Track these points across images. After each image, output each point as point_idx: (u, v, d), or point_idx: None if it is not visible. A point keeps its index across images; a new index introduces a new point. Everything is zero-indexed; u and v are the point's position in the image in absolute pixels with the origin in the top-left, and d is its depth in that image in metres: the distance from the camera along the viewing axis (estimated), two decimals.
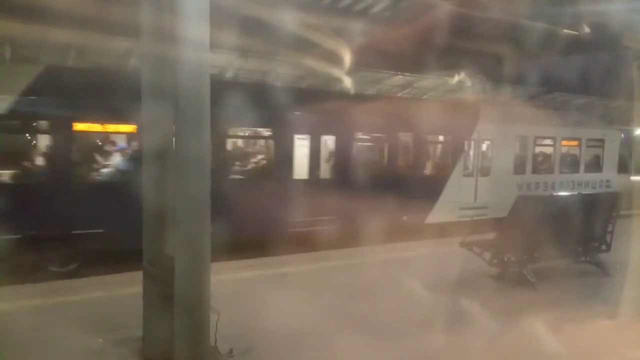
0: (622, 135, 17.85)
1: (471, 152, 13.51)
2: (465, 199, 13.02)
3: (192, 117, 4.25)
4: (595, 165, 16.16)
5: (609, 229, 7.93)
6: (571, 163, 15.69)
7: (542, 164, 15.07)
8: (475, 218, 12.48)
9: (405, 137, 12.44)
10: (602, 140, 16.13)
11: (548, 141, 15.10)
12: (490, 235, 7.61)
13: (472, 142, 13.43)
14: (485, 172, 13.55)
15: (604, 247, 7.95)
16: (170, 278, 4.31)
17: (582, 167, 15.64)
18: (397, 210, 10.51)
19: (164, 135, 4.67)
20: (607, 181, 15.91)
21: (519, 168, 14.15)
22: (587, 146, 15.81)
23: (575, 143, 15.71)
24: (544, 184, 14.57)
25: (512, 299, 6.58)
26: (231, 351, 4.60)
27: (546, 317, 5.62)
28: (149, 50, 4.77)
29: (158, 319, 4.52)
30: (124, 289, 5.78)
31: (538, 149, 14.97)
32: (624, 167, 17.05)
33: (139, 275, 4.80)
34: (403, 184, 11.40)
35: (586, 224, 7.75)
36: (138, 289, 4.75)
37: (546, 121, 15.03)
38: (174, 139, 4.46)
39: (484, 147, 13.66)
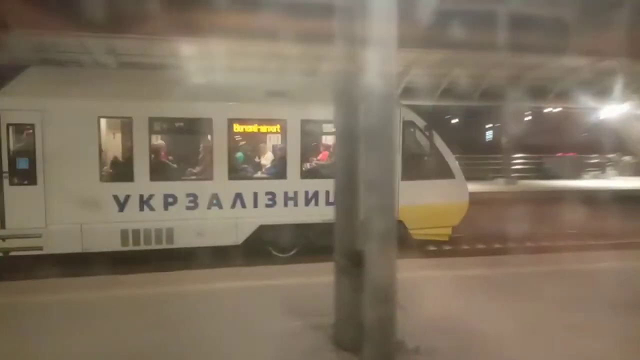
0: (414, 117, 10.06)
1: None
2: None
3: (378, 124, 4.52)
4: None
5: None
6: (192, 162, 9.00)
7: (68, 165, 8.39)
8: None
9: None
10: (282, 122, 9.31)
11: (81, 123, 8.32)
12: None
13: None
14: None
15: None
16: (360, 271, 4.62)
17: (219, 172, 8.84)
18: None
19: (354, 141, 5.05)
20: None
21: None
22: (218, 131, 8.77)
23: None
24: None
25: None
26: (418, 348, 4.66)
27: None
28: (339, 64, 5.23)
29: (348, 309, 4.86)
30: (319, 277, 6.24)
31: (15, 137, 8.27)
32: (431, 169, 9.96)
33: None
34: None
35: None
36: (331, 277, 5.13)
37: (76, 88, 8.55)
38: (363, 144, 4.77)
39: None
